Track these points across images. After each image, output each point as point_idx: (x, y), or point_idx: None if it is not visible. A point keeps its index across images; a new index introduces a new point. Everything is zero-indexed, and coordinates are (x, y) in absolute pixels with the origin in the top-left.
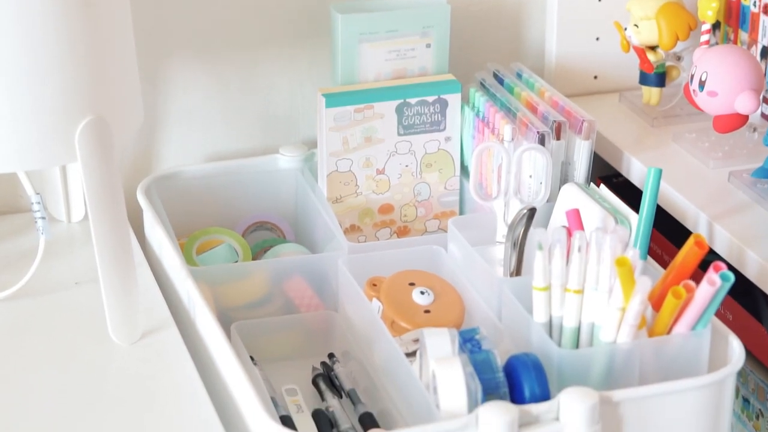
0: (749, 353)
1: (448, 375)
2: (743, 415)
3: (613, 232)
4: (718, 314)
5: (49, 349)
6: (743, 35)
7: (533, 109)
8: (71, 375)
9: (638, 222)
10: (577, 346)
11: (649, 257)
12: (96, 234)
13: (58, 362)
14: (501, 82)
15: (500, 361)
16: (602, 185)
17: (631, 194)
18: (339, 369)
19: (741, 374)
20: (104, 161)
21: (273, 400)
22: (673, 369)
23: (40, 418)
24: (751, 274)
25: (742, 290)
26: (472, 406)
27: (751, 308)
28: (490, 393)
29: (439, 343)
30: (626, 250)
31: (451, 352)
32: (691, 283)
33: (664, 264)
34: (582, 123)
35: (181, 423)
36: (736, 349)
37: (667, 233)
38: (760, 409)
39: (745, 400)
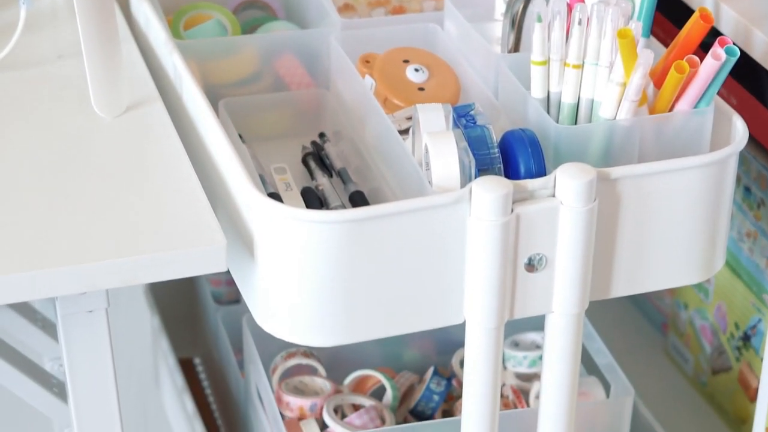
0: (753, 139)
1: (441, 149)
2: (744, 204)
3: (615, 4)
4: (721, 97)
5: (32, 121)
6: None
7: None
8: (54, 147)
9: None
10: (575, 123)
11: (652, 37)
12: (79, 2)
13: (41, 134)
14: None
15: (495, 137)
16: None
17: None
18: (329, 148)
19: (743, 162)
20: None
21: (261, 177)
22: (674, 149)
23: (24, 190)
24: (757, 55)
25: (747, 74)
26: (466, 181)
27: (757, 93)
28: (484, 169)
29: (433, 118)
30: (629, 23)
31: (445, 128)
32: (695, 58)
33: None
34: None
35: (165, 196)
36: (739, 129)
37: (672, 19)
38: (761, 198)
39: (747, 189)
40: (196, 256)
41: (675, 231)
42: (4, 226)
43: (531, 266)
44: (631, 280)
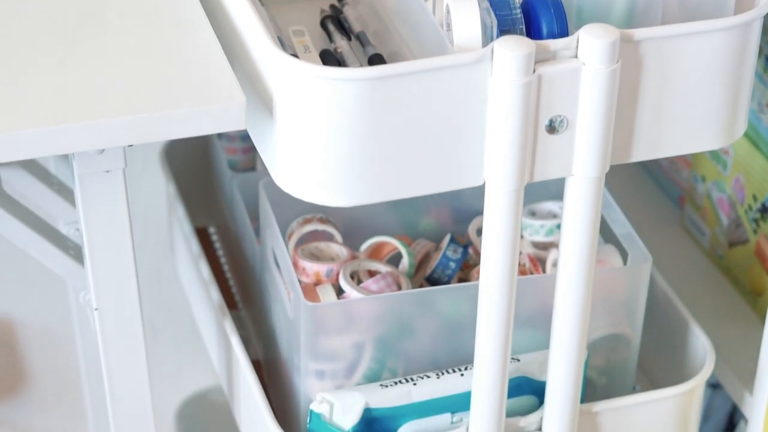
0: None
1: (462, 8)
2: (765, 74)
3: None
4: None
5: None
6: None
7: None
8: (70, 3)
9: None
10: None
11: None
12: None
13: None
14: None
15: None
16: None
17: None
18: (348, 11)
19: (765, 32)
20: None
21: (279, 40)
22: (698, 15)
23: (40, 46)
24: None
25: None
26: (487, 42)
27: None
28: (505, 30)
29: None
30: None
31: None
32: None
33: None
34: None
35: (184, 54)
36: None
37: None
38: None
39: None
40: (215, 113)
41: (697, 95)
42: (20, 83)
43: (552, 128)
44: (652, 144)
